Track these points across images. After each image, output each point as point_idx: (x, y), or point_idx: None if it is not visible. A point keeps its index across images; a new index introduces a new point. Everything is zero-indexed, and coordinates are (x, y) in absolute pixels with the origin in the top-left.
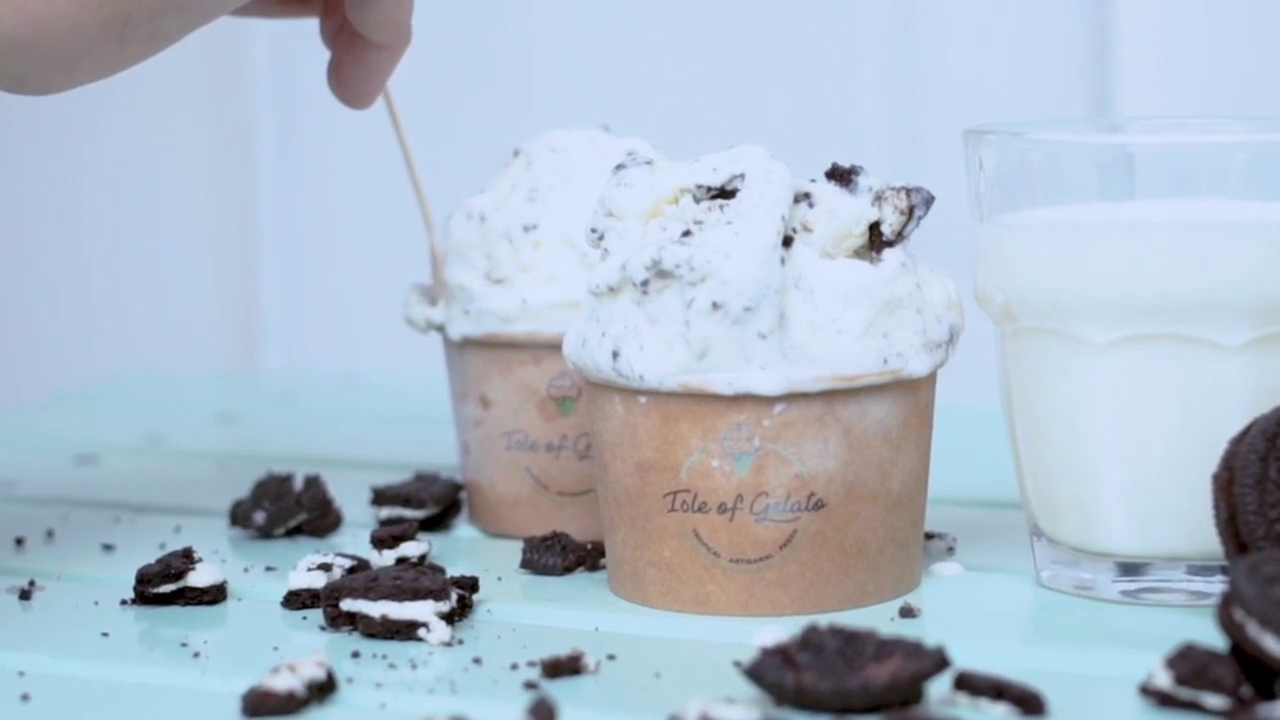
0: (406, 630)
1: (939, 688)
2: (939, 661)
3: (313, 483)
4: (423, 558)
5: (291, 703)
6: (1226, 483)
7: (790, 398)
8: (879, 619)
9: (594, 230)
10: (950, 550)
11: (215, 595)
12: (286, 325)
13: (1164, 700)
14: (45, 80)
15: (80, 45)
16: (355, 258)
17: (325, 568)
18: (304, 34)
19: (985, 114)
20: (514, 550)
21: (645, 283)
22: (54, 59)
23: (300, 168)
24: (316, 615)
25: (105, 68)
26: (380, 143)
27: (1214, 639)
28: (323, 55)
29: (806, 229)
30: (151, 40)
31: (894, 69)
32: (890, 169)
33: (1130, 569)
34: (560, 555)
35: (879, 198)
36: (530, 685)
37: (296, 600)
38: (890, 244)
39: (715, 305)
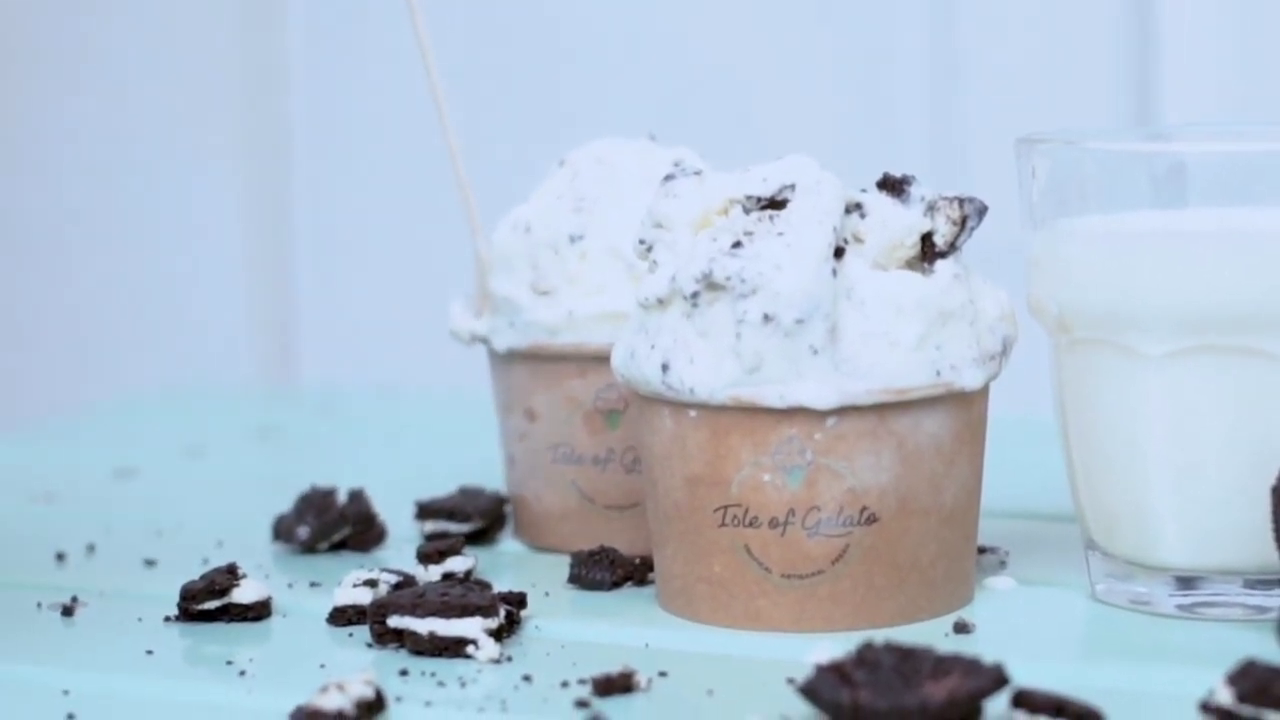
0: (455, 647)
1: (996, 705)
2: (997, 679)
3: (356, 496)
4: (469, 573)
5: None
6: None
7: (842, 411)
8: (932, 634)
9: (642, 241)
10: (1002, 564)
11: (260, 611)
12: (324, 336)
13: (1225, 717)
14: None
15: None
16: (394, 267)
17: (371, 584)
18: (340, 38)
19: (1027, 121)
20: (560, 565)
21: (695, 295)
22: None
23: (337, 175)
24: (363, 632)
25: None
26: (420, 149)
27: (1273, 654)
28: (358, 57)
29: (858, 240)
30: None
31: (935, 76)
32: (933, 177)
33: (1186, 583)
34: (609, 570)
35: (931, 208)
36: (582, 703)
37: (342, 617)
38: (943, 255)
39: (766, 317)
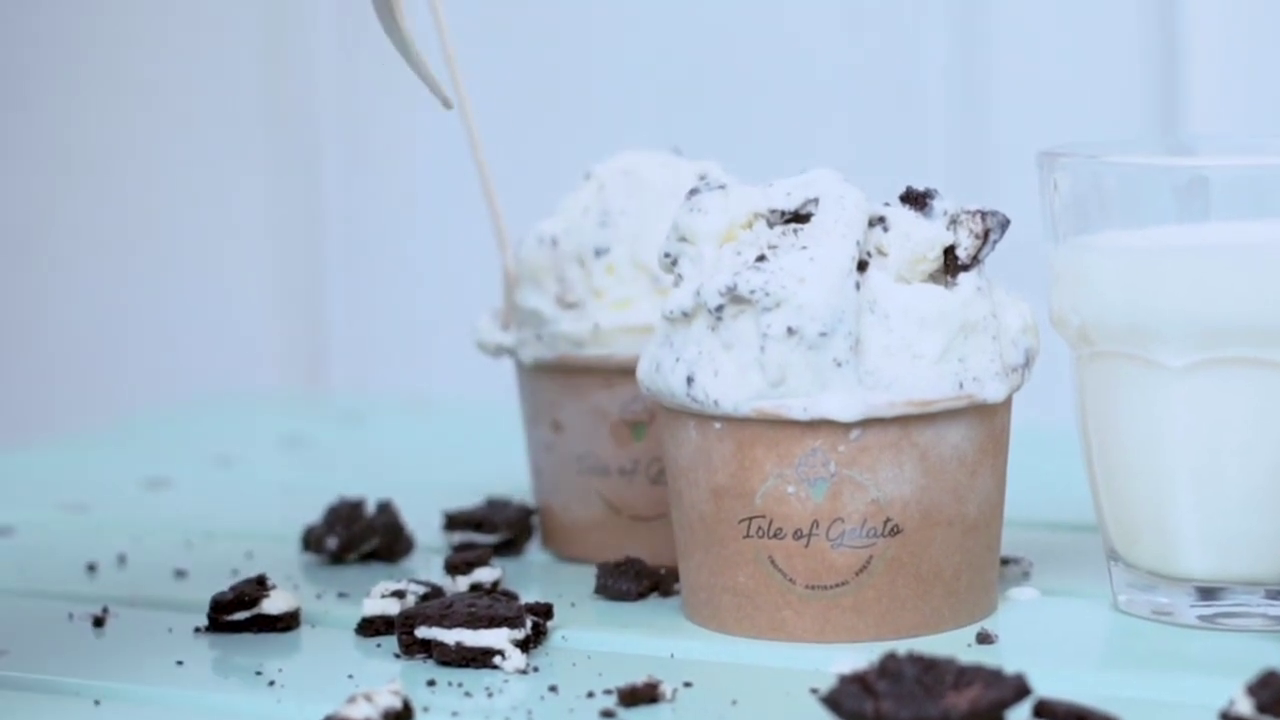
0: (482, 658)
1: (1018, 715)
2: (1019, 689)
3: (385, 508)
4: (496, 584)
5: None
6: None
7: (866, 423)
8: (956, 645)
9: (667, 255)
10: (1026, 575)
11: (289, 622)
12: (354, 347)
13: None
14: None
15: None
16: (424, 278)
17: (399, 594)
18: (370, 50)
19: (1052, 133)
20: (586, 575)
21: (720, 308)
22: None
23: (367, 187)
24: (391, 642)
25: None
26: (449, 161)
27: None
28: (387, 69)
29: (881, 253)
30: None
31: (959, 89)
32: (958, 190)
33: (1208, 593)
34: (634, 581)
35: (954, 221)
36: (607, 714)
37: (370, 627)
38: (965, 268)
39: (790, 330)
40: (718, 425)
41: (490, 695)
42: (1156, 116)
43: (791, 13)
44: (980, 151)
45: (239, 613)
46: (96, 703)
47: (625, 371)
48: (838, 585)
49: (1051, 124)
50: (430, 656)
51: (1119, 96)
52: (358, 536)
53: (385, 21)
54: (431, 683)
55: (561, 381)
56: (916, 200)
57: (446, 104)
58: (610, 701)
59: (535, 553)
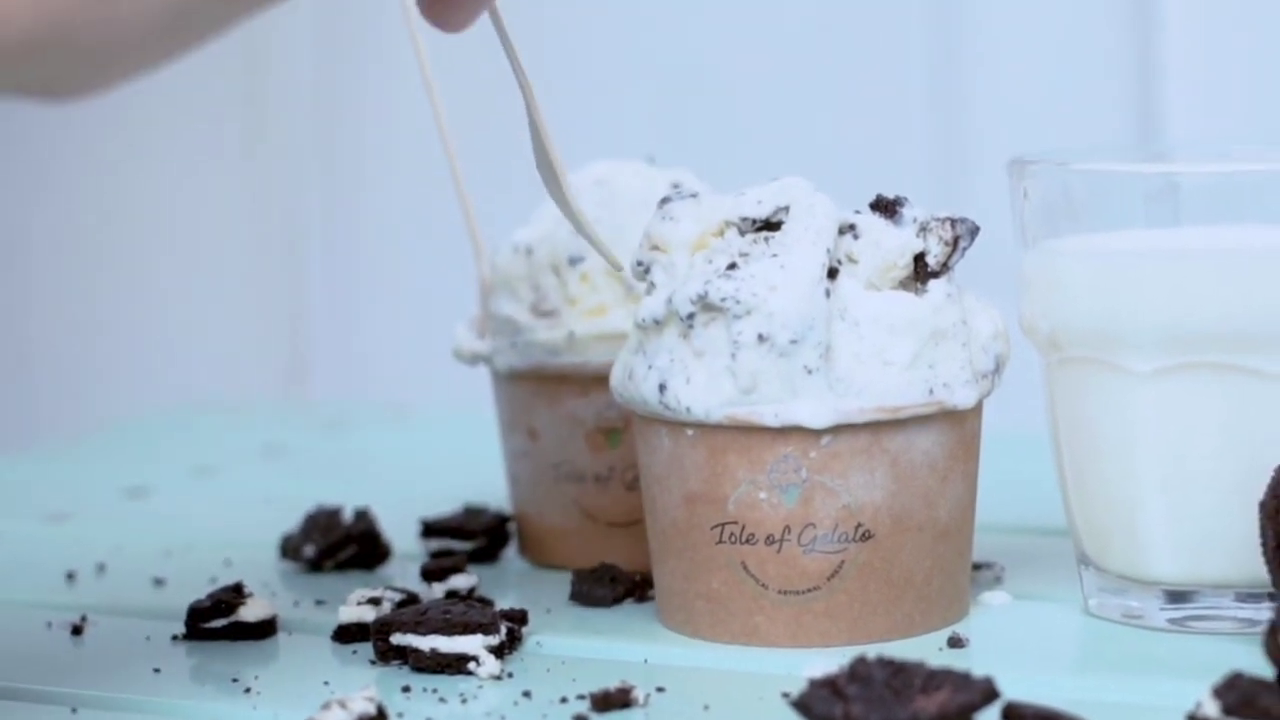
0: (456, 664)
1: (987, 718)
2: (988, 692)
3: (362, 515)
4: (472, 590)
5: None
6: (1274, 510)
7: (837, 429)
8: (927, 649)
9: (639, 263)
10: (998, 579)
11: (266, 630)
12: (334, 356)
13: None
14: (78, 82)
15: (119, 39)
16: (402, 288)
17: (375, 601)
18: (347, 61)
19: (1029, 141)
20: (562, 582)
21: (691, 316)
22: (85, 57)
23: (346, 197)
24: (367, 649)
25: (145, 63)
26: (426, 171)
27: (1262, 668)
28: (368, 79)
29: (851, 261)
30: (198, 29)
31: (937, 97)
32: (933, 199)
33: (1178, 597)
34: (609, 587)
35: (923, 229)
36: (580, 719)
37: (347, 634)
38: (935, 275)
39: (761, 338)
40: (690, 432)
41: (464, 701)
42: (1133, 124)
43: (768, 21)
44: (958, 160)
45: (216, 620)
46: (74, 710)
47: (600, 379)
48: (810, 590)
49: (1029, 132)
50: (406, 663)
51: (1096, 104)
52: (335, 544)
53: (556, 196)
54: (406, 689)
55: (537, 389)
56: (886, 208)
57: (617, 266)
58: (583, 707)
59: (511, 559)
